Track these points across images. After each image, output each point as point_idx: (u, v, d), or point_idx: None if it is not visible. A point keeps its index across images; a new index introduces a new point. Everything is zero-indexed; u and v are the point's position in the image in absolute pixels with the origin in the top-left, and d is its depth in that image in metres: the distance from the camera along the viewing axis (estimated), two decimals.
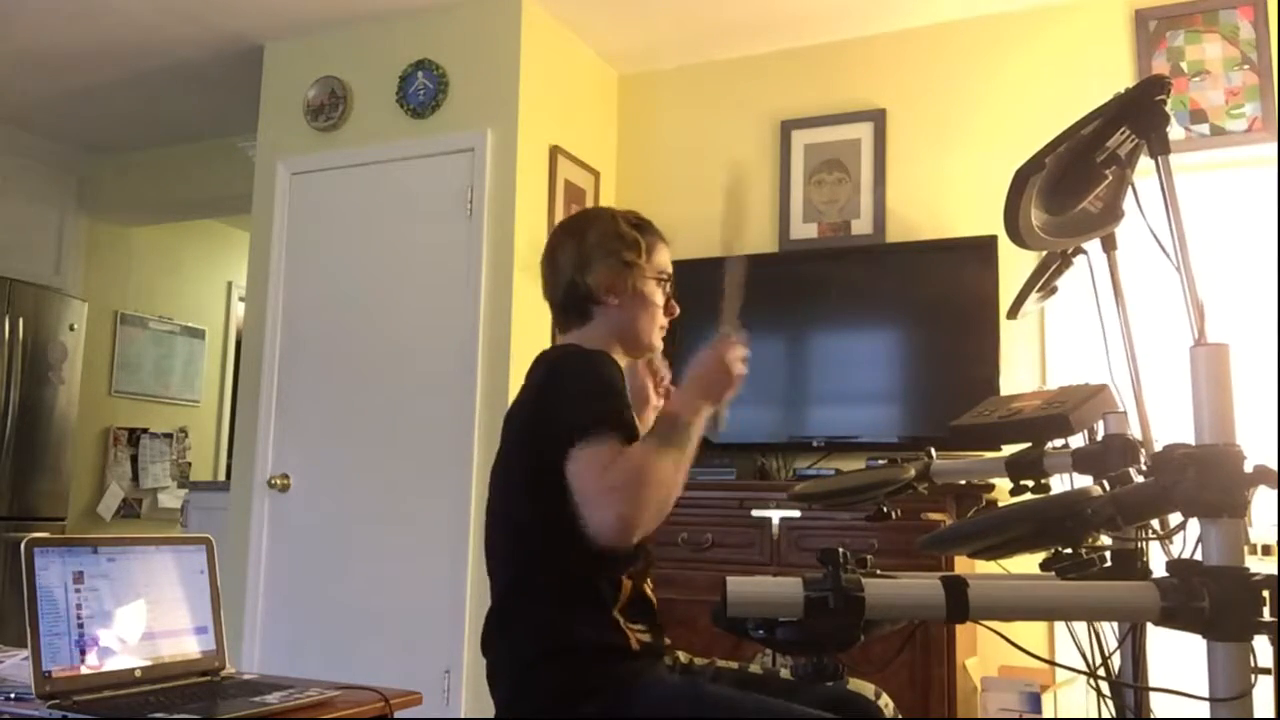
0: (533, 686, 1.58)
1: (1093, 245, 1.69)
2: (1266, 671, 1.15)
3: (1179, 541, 1.32)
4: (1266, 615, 1.11)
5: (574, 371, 1.61)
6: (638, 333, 1.76)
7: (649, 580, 1.69)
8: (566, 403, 1.55)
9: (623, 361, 1.78)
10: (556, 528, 1.57)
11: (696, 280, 4.08)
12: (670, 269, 1.81)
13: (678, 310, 1.82)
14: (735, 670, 1.71)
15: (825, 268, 3.64)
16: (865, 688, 1.67)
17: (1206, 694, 1.14)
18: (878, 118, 3.72)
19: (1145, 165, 1.46)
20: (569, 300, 1.74)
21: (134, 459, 5.59)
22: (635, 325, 1.75)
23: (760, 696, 1.54)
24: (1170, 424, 1.51)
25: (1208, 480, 1.14)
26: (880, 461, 2.05)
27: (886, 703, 1.66)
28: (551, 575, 1.59)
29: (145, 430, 5.66)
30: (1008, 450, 1.71)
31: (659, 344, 1.81)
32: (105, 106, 4.73)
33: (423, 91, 3.68)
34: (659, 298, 1.77)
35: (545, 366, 1.66)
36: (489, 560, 1.70)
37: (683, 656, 1.72)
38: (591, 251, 1.72)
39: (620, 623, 1.60)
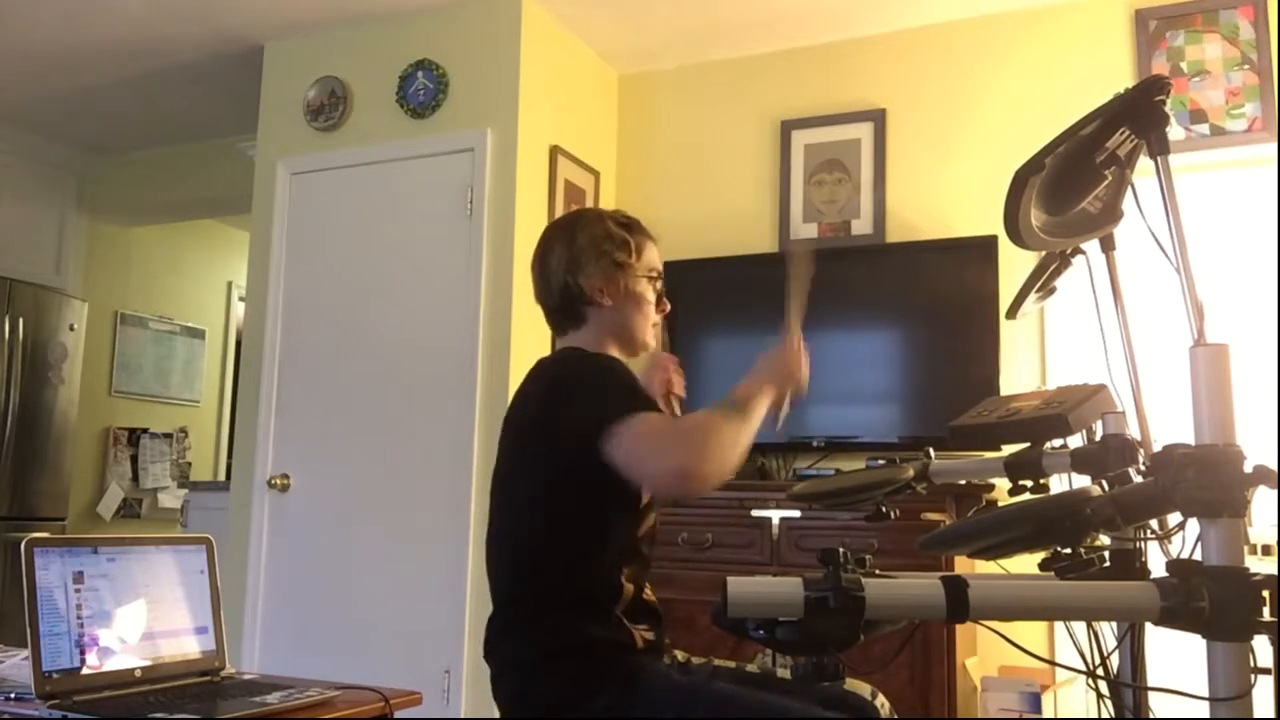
0: (540, 686, 1.58)
1: (1092, 245, 1.69)
2: (1266, 671, 1.15)
3: (1178, 541, 1.32)
4: (1266, 615, 1.11)
5: (591, 371, 1.63)
6: (632, 331, 1.77)
7: (648, 585, 1.69)
8: (592, 400, 1.55)
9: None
10: (561, 533, 1.58)
11: (696, 280, 4.06)
12: (660, 267, 1.82)
13: (669, 307, 1.83)
14: (732, 670, 1.71)
15: (825, 268, 3.61)
16: (861, 688, 1.67)
17: (1206, 694, 1.14)
18: (878, 118, 3.72)
19: (1145, 165, 1.46)
20: (563, 303, 1.75)
21: (134, 459, 5.59)
22: (629, 324, 1.76)
23: (768, 695, 1.55)
24: (1170, 424, 1.51)
25: (1207, 480, 1.14)
26: (880, 461, 2.05)
27: (883, 703, 1.66)
28: (554, 579, 1.60)
29: (145, 430, 5.66)
30: (1007, 450, 1.71)
31: (652, 342, 1.82)
32: (105, 106, 4.73)
33: (423, 91, 3.68)
34: (650, 296, 1.79)
35: (553, 371, 1.66)
36: (490, 565, 1.70)
37: (680, 655, 1.72)
38: (582, 253, 1.73)
39: (624, 621, 1.60)
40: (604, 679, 1.54)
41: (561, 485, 1.57)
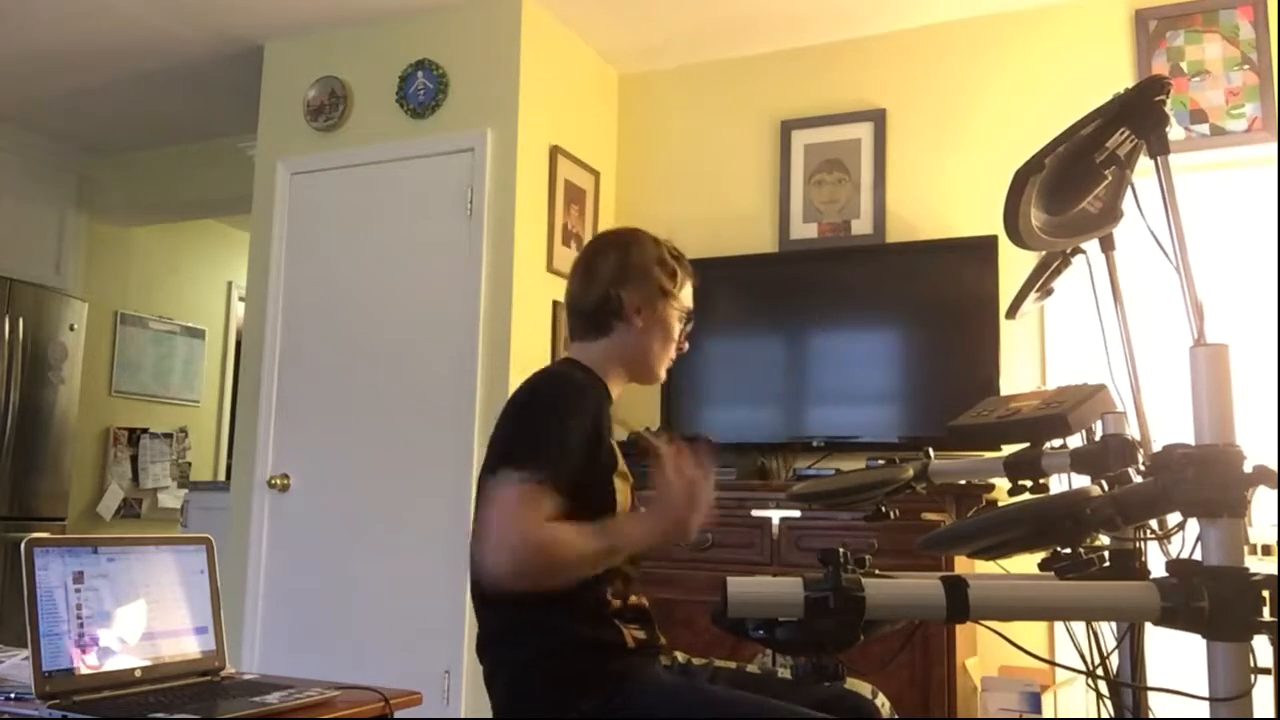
0: (530, 685, 1.59)
1: (1092, 245, 1.69)
2: (1266, 671, 1.15)
3: (1178, 541, 1.32)
4: (1266, 615, 1.11)
5: (541, 401, 1.62)
6: (649, 358, 1.78)
7: (635, 593, 1.69)
8: (513, 429, 1.58)
9: (617, 388, 1.79)
10: None
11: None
12: (691, 308, 1.82)
13: (687, 348, 1.84)
14: (733, 670, 1.71)
15: (825, 268, 3.64)
16: (862, 687, 1.67)
17: (1206, 694, 1.14)
18: (878, 118, 3.72)
19: (1145, 165, 1.46)
20: (598, 310, 1.75)
21: (134, 459, 5.59)
22: (649, 350, 1.77)
23: (756, 696, 1.55)
24: (1170, 424, 1.51)
25: (1207, 480, 1.14)
26: (880, 461, 2.05)
27: (883, 702, 1.67)
28: None
29: (145, 430, 5.65)
30: (1007, 450, 1.71)
31: (663, 376, 1.83)
32: (105, 106, 4.73)
33: (423, 91, 3.68)
34: (676, 332, 1.79)
35: (523, 387, 1.66)
36: (474, 564, 1.69)
37: (680, 656, 1.72)
38: (634, 269, 1.74)
39: (614, 621, 1.61)
40: (594, 679, 1.55)
41: None
